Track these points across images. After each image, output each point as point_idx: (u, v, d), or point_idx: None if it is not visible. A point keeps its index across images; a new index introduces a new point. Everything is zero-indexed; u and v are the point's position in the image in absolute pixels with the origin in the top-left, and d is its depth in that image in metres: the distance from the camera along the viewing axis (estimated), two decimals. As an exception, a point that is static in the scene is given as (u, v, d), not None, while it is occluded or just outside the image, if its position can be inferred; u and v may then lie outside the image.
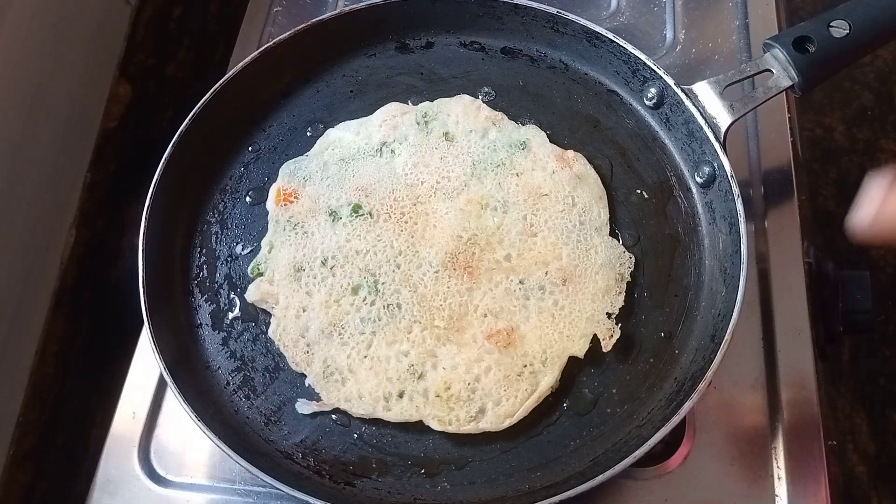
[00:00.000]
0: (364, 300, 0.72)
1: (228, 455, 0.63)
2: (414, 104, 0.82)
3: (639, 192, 0.78)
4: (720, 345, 0.65)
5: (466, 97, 0.82)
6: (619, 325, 0.71)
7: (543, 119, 0.81)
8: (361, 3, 0.83)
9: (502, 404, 0.68)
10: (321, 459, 0.68)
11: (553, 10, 0.81)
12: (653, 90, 0.79)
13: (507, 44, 0.86)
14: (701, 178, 0.76)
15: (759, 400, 0.72)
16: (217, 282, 0.75)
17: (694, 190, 0.77)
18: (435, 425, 0.67)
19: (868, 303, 0.78)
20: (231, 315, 0.74)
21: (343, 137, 0.80)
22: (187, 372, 0.70)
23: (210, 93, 0.78)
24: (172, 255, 0.76)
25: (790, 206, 0.81)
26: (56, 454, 0.91)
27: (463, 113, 0.80)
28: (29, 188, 0.87)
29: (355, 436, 0.69)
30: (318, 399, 0.70)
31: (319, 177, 0.78)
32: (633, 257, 0.74)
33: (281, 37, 0.81)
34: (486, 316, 0.71)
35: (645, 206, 0.77)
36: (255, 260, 0.75)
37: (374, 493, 0.66)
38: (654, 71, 0.77)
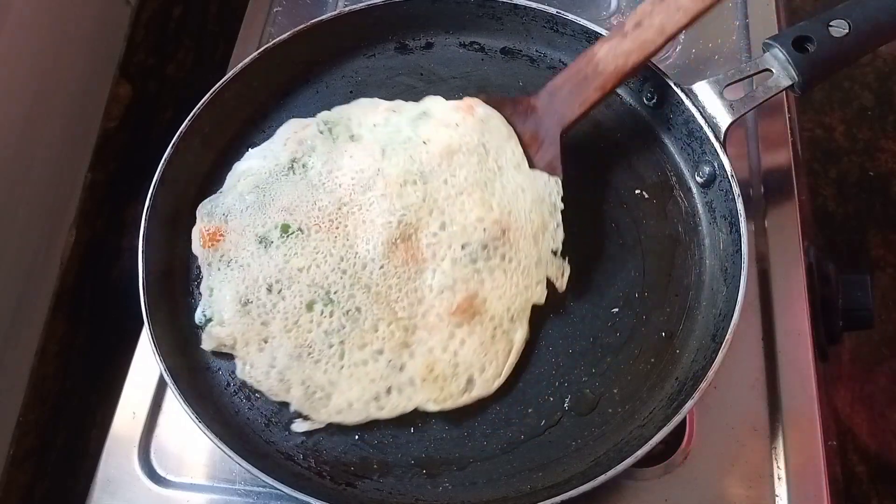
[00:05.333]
0: (322, 314, 0.70)
1: (229, 456, 0.64)
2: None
3: (639, 192, 0.78)
4: (721, 345, 0.65)
5: (364, 99, 0.81)
6: (567, 259, 0.72)
7: (543, 119, 0.81)
8: (361, 4, 0.83)
9: (487, 369, 0.68)
10: (322, 460, 0.68)
11: (553, 11, 0.81)
12: (653, 90, 0.79)
13: (507, 44, 0.86)
14: (701, 177, 0.76)
15: (759, 400, 0.72)
16: (217, 282, 0.75)
17: (694, 190, 0.77)
18: (432, 407, 0.68)
19: (868, 299, 0.79)
20: (231, 315, 0.74)
21: (252, 166, 0.78)
22: (187, 372, 0.70)
23: (210, 93, 0.78)
24: (172, 256, 0.76)
25: (790, 206, 0.81)
26: (56, 454, 0.90)
27: (363, 113, 0.79)
28: (29, 188, 0.86)
29: (356, 437, 0.69)
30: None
31: (239, 209, 0.75)
32: (559, 181, 0.74)
33: (281, 37, 0.81)
34: (442, 293, 0.70)
35: (645, 206, 0.77)
36: (199, 308, 0.73)
37: (376, 493, 0.66)
38: (654, 71, 0.77)
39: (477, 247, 0.71)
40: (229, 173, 0.78)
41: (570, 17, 0.80)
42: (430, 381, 0.68)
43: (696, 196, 0.77)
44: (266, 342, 0.70)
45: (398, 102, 0.80)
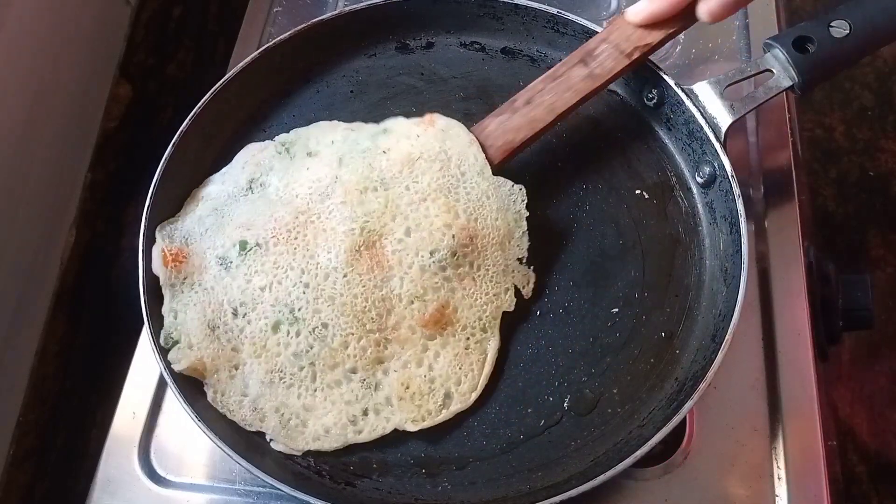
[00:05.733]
0: (288, 334, 0.68)
1: (229, 455, 0.63)
2: (413, 104, 0.81)
3: (639, 192, 0.78)
4: (721, 345, 0.65)
5: (323, 122, 0.80)
6: (532, 268, 0.72)
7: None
8: (362, 3, 0.83)
9: (463, 382, 0.68)
10: (321, 459, 0.68)
11: (553, 11, 0.81)
12: (653, 90, 0.79)
13: (508, 44, 0.86)
14: (701, 178, 0.76)
15: (759, 400, 0.72)
16: (217, 282, 0.75)
17: (694, 190, 0.77)
18: (411, 427, 0.67)
19: (868, 299, 0.79)
20: (231, 315, 0.74)
21: (210, 191, 0.76)
22: (187, 372, 0.70)
23: (210, 93, 0.78)
24: (172, 255, 0.76)
25: (790, 206, 0.81)
26: (56, 454, 0.90)
27: (321, 133, 0.78)
28: (29, 188, 0.86)
29: (356, 436, 0.69)
30: None
31: (198, 232, 0.73)
32: (523, 188, 0.73)
33: (281, 37, 0.81)
34: (412, 303, 0.69)
35: (645, 206, 0.77)
36: (163, 331, 0.70)
37: (375, 493, 0.66)
38: (655, 71, 0.77)
39: (446, 253, 0.69)
40: (188, 199, 0.77)
41: (572, 17, 0.80)
42: (406, 400, 0.67)
43: (696, 196, 0.77)
44: (237, 369, 0.68)
45: (358, 123, 0.79)
